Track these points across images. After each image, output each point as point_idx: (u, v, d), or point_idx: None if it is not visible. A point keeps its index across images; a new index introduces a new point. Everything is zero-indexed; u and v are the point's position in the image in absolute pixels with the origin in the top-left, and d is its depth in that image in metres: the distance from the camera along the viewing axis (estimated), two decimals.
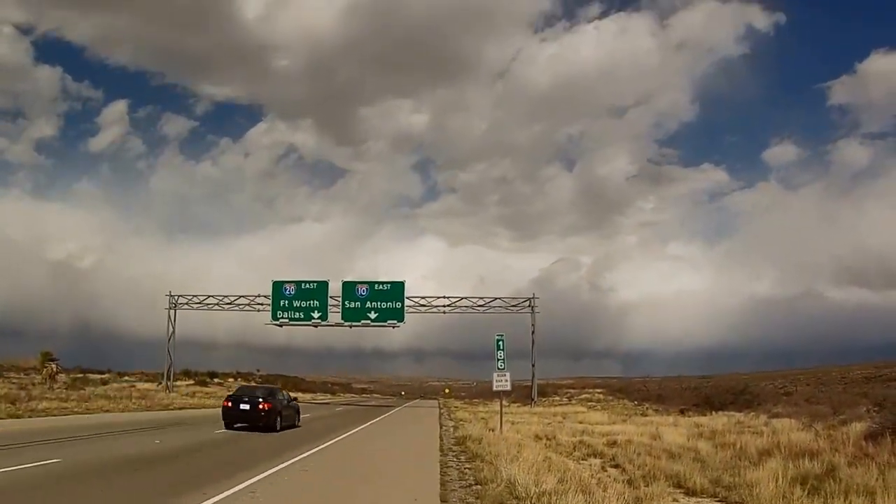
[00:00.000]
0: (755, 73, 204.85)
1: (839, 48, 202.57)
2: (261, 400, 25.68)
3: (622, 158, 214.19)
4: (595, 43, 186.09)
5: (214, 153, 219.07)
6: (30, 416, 25.98)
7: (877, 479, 13.97)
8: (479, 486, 12.74)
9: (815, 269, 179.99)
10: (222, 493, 11.20)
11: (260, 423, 25.09)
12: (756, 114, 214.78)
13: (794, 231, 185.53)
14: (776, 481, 14.05)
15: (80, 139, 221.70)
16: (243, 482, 12.45)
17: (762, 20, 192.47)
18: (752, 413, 40.71)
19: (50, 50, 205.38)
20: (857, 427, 24.04)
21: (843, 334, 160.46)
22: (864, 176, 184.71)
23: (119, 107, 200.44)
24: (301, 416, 30.35)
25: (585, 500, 10.87)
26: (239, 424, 25.15)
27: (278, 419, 25.95)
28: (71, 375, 53.55)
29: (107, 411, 32.11)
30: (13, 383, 44.07)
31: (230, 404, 25.77)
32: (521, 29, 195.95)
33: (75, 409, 30.61)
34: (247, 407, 25.45)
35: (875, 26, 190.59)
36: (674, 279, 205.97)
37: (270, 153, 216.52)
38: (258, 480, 12.82)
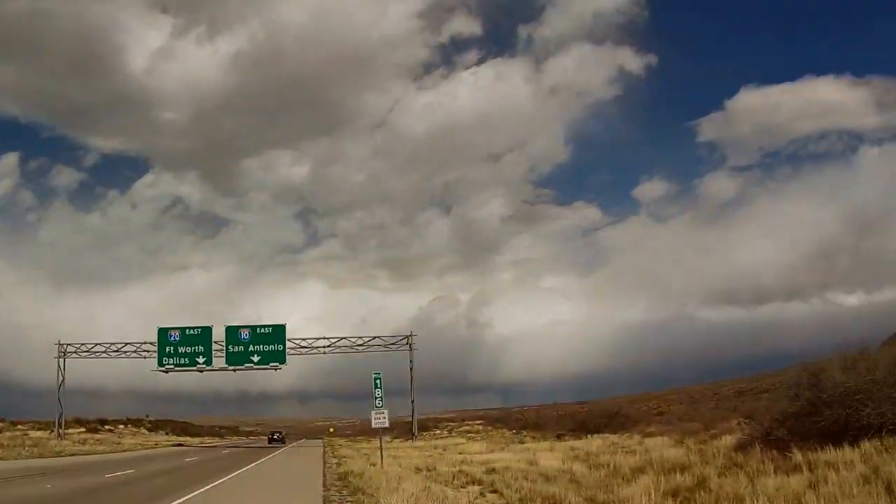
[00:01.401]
0: (627, 115, 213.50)
1: (708, 87, 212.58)
2: (281, 433, 78.08)
3: (497, 201, 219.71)
4: (472, 90, 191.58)
5: (103, 205, 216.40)
6: None
7: (745, 487, 14.65)
8: None
9: (686, 292, 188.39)
10: None
11: (281, 442, 70.25)
12: (628, 153, 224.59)
13: (664, 259, 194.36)
14: (649, 496, 14.93)
15: None
16: None
17: (634, 62, 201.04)
18: (626, 434, 41.60)
19: None
20: (728, 440, 24.96)
21: (714, 352, 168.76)
22: (730, 206, 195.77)
23: (10, 159, 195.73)
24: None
25: None
26: (274, 444, 68.23)
27: (284, 440, 73.54)
28: None
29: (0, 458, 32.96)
30: None
31: (270, 436, 76.69)
32: (400, 79, 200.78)
33: None
34: (276, 436, 74.87)
35: (744, 63, 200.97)
36: (547, 311, 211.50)
37: (156, 205, 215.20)
38: None
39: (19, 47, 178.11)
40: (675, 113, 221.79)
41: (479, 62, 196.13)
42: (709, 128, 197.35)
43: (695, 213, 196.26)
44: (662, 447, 28.22)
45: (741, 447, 21.96)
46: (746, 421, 29.93)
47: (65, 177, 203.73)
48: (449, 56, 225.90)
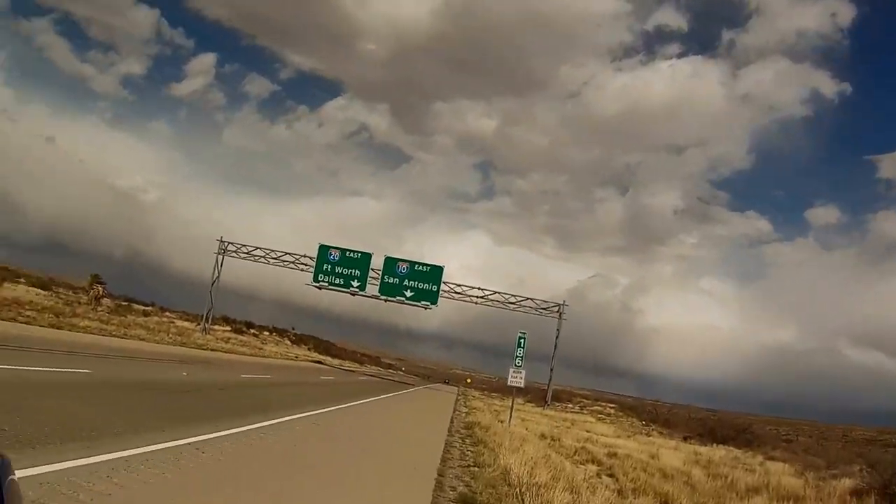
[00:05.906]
0: (813, 137, 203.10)
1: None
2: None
3: (673, 193, 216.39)
4: (667, 81, 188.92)
5: (290, 118, 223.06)
6: (70, 330, 26.56)
7: None
8: (476, 468, 12.87)
9: (837, 327, 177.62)
10: (227, 430, 11.22)
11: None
12: (807, 175, 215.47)
13: (823, 289, 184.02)
14: None
15: (164, 82, 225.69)
16: (255, 423, 12.55)
17: (828, 87, 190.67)
18: (751, 452, 41.15)
19: None
20: (847, 483, 24.55)
21: (850, 392, 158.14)
22: None
23: (208, 59, 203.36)
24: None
25: (573, 499, 10.88)
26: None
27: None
28: (115, 301, 54.65)
29: (143, 340, 32.43)
30: (60, 298, 44.91)
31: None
32: (599, 57, 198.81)
33: (114, 333, 30.78)
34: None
35: None
36: (701, 312, 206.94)
37: (342, 128, 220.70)
38: (268, 425, 12.89)
39: None
40: (860, 144, 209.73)
41: (679, 56, 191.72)
42: (889, 165, 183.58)
43: (861, 248, 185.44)
44: (782, 473, 27.29)
45: (857, 493, 22.05)
46: (869, 469, 28.69)
47: (257, 85, 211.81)
48: (651, 45, 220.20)
